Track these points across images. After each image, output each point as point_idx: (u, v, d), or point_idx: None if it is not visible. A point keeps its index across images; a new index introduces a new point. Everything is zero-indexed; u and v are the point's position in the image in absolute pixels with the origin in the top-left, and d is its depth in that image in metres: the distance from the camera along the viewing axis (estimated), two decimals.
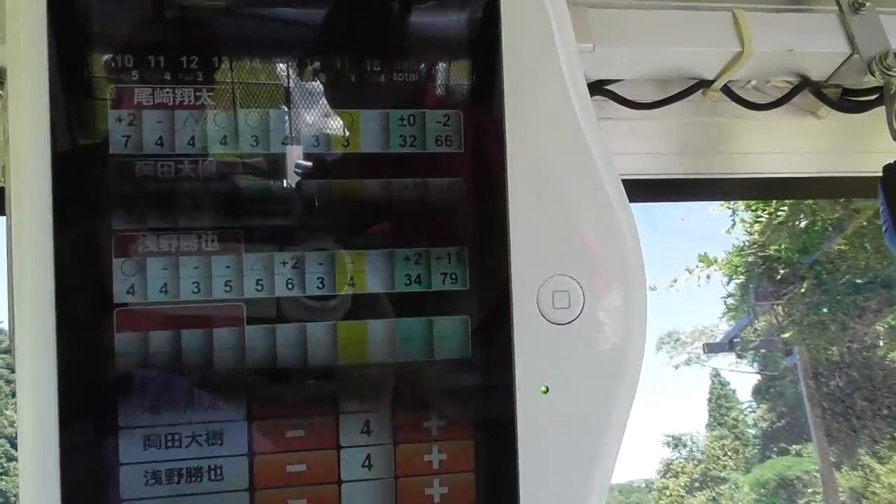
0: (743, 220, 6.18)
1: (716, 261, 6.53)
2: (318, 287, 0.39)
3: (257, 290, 0.38)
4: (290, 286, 0.38)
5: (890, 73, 0.53)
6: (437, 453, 0.40)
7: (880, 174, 0.57)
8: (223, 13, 0.39)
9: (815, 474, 7.73)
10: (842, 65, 0.56)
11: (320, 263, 0.39)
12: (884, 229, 0.52)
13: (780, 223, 5.87)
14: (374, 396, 0.39)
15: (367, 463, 0.39)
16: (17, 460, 0.36)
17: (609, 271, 0.42)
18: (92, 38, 0.37)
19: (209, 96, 0.38)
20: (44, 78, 0.35)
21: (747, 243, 6.35)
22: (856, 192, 0.68)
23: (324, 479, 0.38)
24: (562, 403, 0.41)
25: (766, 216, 5.86)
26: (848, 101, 0.61)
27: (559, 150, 0.41)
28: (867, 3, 0.55)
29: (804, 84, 0.58)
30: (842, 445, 7.08)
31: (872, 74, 0.54)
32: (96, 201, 0.36)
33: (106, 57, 0.37)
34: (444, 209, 0.41)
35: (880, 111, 0.57)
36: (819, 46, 0.55)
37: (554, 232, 0.41)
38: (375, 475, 0.39)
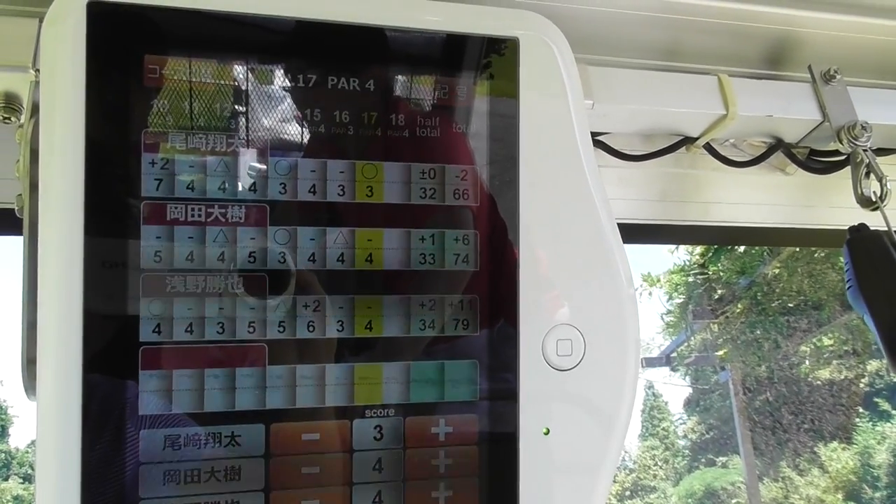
0: None
1: (658, 280, 6.72)
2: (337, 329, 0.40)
3: None
4: None
5: (857, 142, 0.56)
6: (443, 490, 0.42)
7: (841, 227, 0.60)
8: None
9: (740, 485, 7.97)
10: (813, 130, 0.60)
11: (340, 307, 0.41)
12: (847, 286, 0.55)
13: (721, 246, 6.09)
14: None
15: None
16: None
17: (608, 322, 0.45)
18: None
19: None
20: None
21: (688, 263, 6.55)
22: (819, 242, 0.73)
23: None
24: (561, 444, 0.43)
25: None
26: (815, 161, 0.65)
27: (569, 207, 0.44)
28: (837, 76, 0.59)
29: (778, 145, 0.63)
30: (767, 459, 7.35)
31: (840, 142, 0.57)
32: None
33: None
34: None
35: (842, 172, 0.62)
36: (795, 113, 0.58)
37: (560, 284, 0.44)
38: None
